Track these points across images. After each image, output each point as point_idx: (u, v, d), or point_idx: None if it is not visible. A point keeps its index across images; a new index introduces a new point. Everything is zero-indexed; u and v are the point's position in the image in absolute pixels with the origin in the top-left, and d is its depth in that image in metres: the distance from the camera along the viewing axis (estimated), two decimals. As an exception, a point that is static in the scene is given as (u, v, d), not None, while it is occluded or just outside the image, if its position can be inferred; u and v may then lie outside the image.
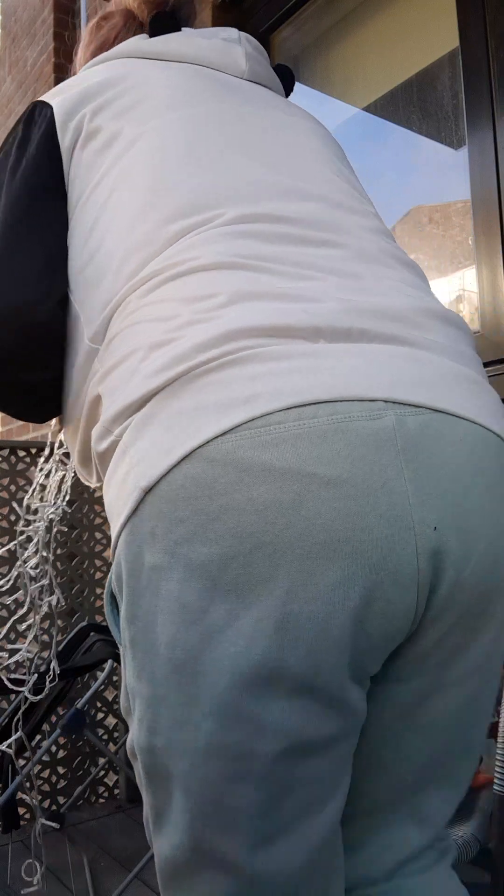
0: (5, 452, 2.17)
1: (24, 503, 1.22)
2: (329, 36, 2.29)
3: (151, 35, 0.86)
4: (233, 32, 0.89)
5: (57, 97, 0.81)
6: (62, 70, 3.37)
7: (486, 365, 1.60)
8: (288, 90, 0.96)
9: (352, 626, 0.55)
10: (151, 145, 0.72)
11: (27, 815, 2.11)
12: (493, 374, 1.59)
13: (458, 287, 1.83)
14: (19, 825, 2.09)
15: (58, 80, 3.35)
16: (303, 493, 0.55)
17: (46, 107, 0.79)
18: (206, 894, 0.58)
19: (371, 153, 2.15)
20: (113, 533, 0.62)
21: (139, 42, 0.85)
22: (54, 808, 2.18)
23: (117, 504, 0.61)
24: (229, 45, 0.86)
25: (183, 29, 0.89)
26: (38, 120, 0.78)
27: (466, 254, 1.81)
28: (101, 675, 2.04)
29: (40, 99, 0.81)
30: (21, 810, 2.02)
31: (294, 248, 0.66)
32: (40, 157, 0.76)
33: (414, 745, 0.66)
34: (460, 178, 1.79)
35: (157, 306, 0.63)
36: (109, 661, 1.94)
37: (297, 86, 2.40)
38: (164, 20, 0.86)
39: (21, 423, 3.24)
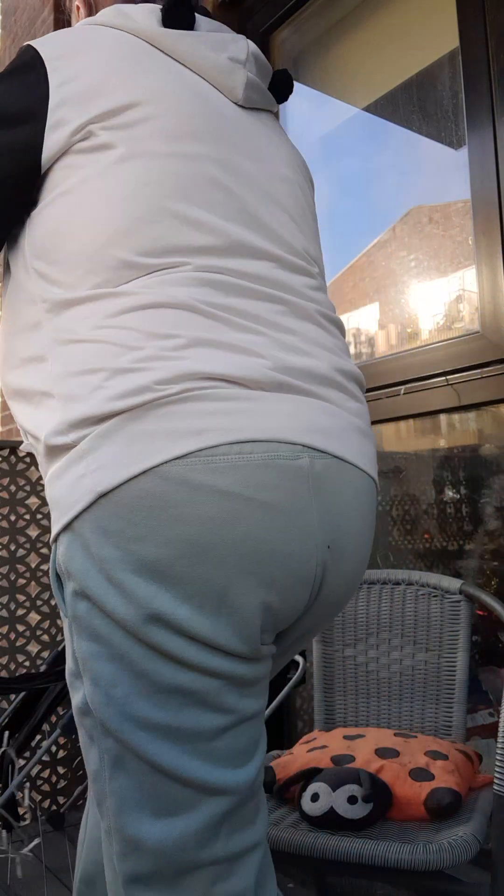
0: (5, 452, 2.17)
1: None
2: (329, 36, 2.29)
3: (165, 18, 0.85)
4: (241, 50, 0.88)
5: (59, 65, 0.79)
6: (62, 70, 3.37)
7: (486, 365, 1.60)
8: (284, 97, 0.97)
9: (264, 611, 0.73)
10: (146, 174, 0.77)
11: (27, 815, 2.11)
12: (493, 374, 1.59)
13: (458, 287, 1.83)
14: (19, 825, 2.09)
15: (58, 80, 3.35)
16: (241, 511, 0.69)
17: (42, 74, 0.79)
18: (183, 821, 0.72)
19: (371, 153, 2.15)
20: (58, 521, 0.73)
21: (157, 29, 0.84)
22: (54, 808, 2.18)
23: (69, 499, 0.71)
24: (234, 67, 0.86)
25: (198, 21, 0.88)
26: (31, 81, 0.79)
27: (466, 254, 1.81)
28: (101, 675, 2.04)
29: (42, 58, 0.80)
30: (21, 810, 2.02)
31: (245, 300, 0.77)
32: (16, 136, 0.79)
33: None
34: (460, 178, 1.79)
35: (123, 332, 0.72)
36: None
37: (297, 86, 2.39)
38: (185, 11, 0.85)
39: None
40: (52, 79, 0.78)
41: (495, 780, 1.09)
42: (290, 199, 0.88)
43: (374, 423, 1.91)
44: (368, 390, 1.89)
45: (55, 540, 0.73)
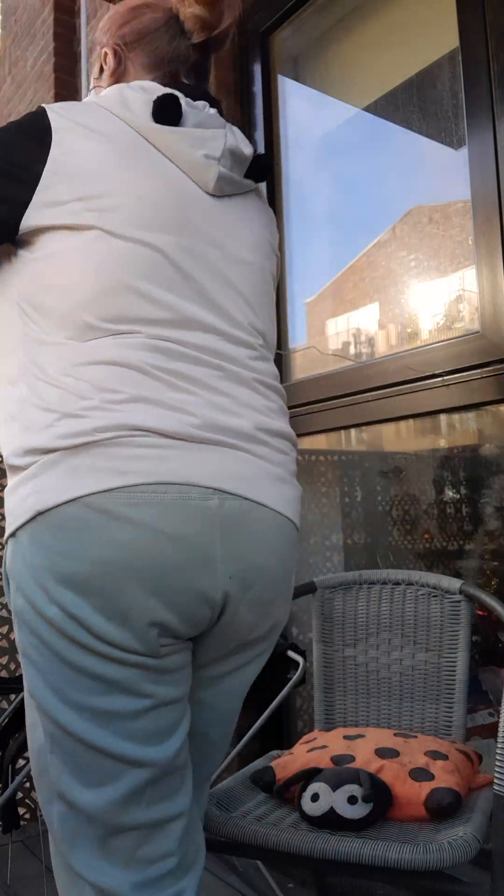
0: (5, 452, 2.17)
1: None
2: (329, 36, 2.29)
3: (154, 113, 0.96)
4: (217, 147, 0.98)
5: (65, 136, 0.92)
6: (62, 70, 3.37)
7: (486, 365, 1.60)
8: (263, 178, 1.07)
9: (163, 626, 0.86)
10: (116, 254, 0.90)
11: (27, 815, 2.11)
12: (493, 374, 1.59)
13: (458, 287, 1.84)
14: (19, 825, 2.09)
15: (58, 81, 3.35)
16: (150, 541, 0.83)
17: (47, 143, 0.91)
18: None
19: (371, 153, 2.15)
20: (8, 529, 0.88)
21: (147, 124, 0.96)
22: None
23: (16, 512, 0.86)
24: (208, 164, 0.98)
25: (187, 114, 0.98)
26: (35, 144, 0.92)
27: (466, 254, 1.81)
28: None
29: (52, 127, 0.92)
30: (21, 810, 2.02)
31: (188, 365, 0.91)
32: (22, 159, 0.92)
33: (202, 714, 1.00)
34: (460, 178, 1.79)
35: (80, 383, 0.87)
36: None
37: (297, 86, 2.40)
38: (173, 109, 0.97)
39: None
40: (54, 148, 0.90)
41: (495, 780, 1.09)
42: (246, 281, 1.00)
43: (373, 423, 1.91)
44: (369, 390, 1.90)
45: (4, 544, 0.86)
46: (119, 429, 0.85)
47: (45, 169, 0.89)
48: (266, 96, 2.37)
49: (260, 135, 2.36)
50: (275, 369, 1.04)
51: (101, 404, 0.86)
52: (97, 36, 1.10)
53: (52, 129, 0.91)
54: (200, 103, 1.02)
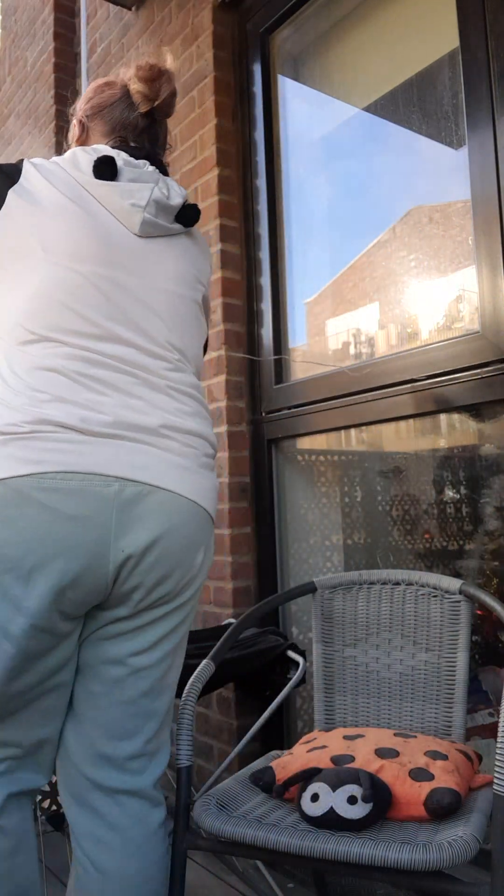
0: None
1: None
2: (329, 36, 2.29)
3: (94, 170, 1.21)
4: (143, 198, 1.21)
5: (29, 189, 1.18)
6: (62, 70, 3.37)
7: (485, 365, 1.61)
8: (192, 223, 1.29)
9: (60, 591, 1.07)
10: (54, 279, 1.14)
11: (27, 815, 2.11)
12: (493, 374, 1.59)
13: (458, 287, 1.83)
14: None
15: (57, 81, 3.35)
16: (54, 520, 1.05)
17: (16, 180, 1.19)
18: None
19: (371, 153, 2.15)
20: None
21: (89, 179, 1.21)
22: (54, 808, 2.18)
23: None
24: (134, 211, 1.21)
25: (123, 171, 1.22)
26: (5, 180, 1.18)
27: (466, 254, 1.81)
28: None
29: (21, 170, 1.20)
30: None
31: (107, 372, 1.12)
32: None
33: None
34: (460, 178, 1.79)
35: (20, 383, 1.09)
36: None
37: (297, 86, 2.40)
38: (107, 167, 1.21)
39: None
40: (21, 178, 1.18)
41: (495, 780, 1.09)
42: (165, 306, 1.21)
43: (373, 423, 1.92)
44: (369, 390, 1.89)
45: None
46: (39, 423, 1.06)
47: (10, 191, 1.16)
48: (266, 96, 2.37)
49: (260, 135, 2.36)
50: (193, 380, 1.23)
51: (29, 402, 1.07)
52: (76, 106, 1.38)
53: (24, 169, 1.19)
54: (141, 162, 1.27)
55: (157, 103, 1.32)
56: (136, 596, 1.13)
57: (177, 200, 1.26)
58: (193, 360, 1.26)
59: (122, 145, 1.30)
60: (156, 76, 1.31)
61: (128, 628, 1.15)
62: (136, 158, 1.28)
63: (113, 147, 1.29)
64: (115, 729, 1.16)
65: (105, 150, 1.26)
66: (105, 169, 1.21)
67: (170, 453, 1.13)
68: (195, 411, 1.21)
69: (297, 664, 1.84)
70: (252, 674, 1.92)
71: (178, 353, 1.22)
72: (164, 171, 1.32)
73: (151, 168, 1.27)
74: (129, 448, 1.09)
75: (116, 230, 1.20)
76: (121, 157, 1.25)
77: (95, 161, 1.21)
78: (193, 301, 1.27)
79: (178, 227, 1.27)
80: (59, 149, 3.27)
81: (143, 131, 1.33)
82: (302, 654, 1.87)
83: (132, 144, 1.32)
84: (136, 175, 1.24)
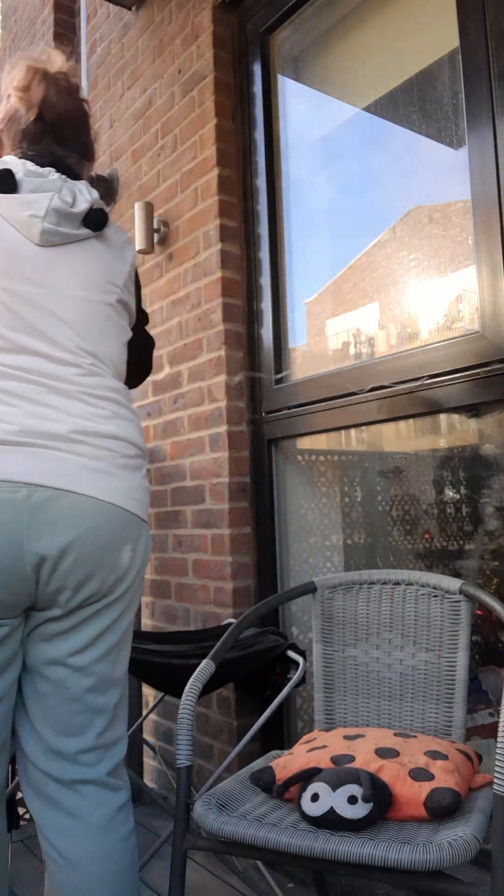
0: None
1: None
2: (329, 36, 2.29)
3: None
4: (42, 208, 1.21)
5: None
6: (62, 70, 3.36)
7: (485, 365, 1.61)
8: (99, 228, 1.28)
9: None
10: None
11: (27, 815, 2.11)
12: (493, 374, 1.59)
13: (458, 287, 1.84)
14: (19, 825, 2.09)
15: (58, 80, 3.34)
16: None
17: None
18: None
19: (371, 153, 2.15)
20: None
21: None
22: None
23: None
24: (33, 221, 1.21)
25: (23, 183, 1.23)
26: None
27: (466, 254, 1.81)
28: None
29: None
30: (21, 810, 2.02)
31: (15, 383, 1.14)
32: None
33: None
34: (460, 178, 1.79)
35: None
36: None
37: (297, 86, 2.40)
38: (4, 181, 1.22)
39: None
40: None
41: (495, 780, 1.09)
42: (73, 313, 1.22)
43: (373, 423, 1.92)
44: (369, 390, 1.89)
45: None
46: None
47: None
48: (266, 96, 2.37)
49: (260, 135, 2.36)
50: (112, 382, 1.24)
51: None
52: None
53: None
54: (46, 170, 1.27)
55: (40, 106, 1.32)
56: (62, 597, 1.14)
57: (82, 206, 1.26)
58: (111, 363, 1.27)
59: (27, 155, 1.31)
60: (28, 81, 1.31)
61: (63, 628, 1.16)
62: (42, 166, 1.28)
63: (20, 158, 1.29)
64: (64, 726, 1.17)
65: (11, 161, 1.27)
66: (2, 182, 1.22)
67: (83, 457, 1.15)
68: (114, 413, 1.22)
69: (297, 664, 1.84)
70: (252, 674, 1.92)
71: (92, 358, 1.23)
72: (74, 175, 1.32)
73: (56, 175, 1.27)
74: (38, 454, 1.11)
75: (18, 242, 1.21)
76: (25, 168, 1.26)
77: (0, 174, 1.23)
78: (106, 304, 1.28)
79: (85, 232, 1.27)
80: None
81: (40, 137, 1.33)
82: (302, 654, 1.87)
83: (30, 153, 1.31)
84: (37, 185, 1.24)
